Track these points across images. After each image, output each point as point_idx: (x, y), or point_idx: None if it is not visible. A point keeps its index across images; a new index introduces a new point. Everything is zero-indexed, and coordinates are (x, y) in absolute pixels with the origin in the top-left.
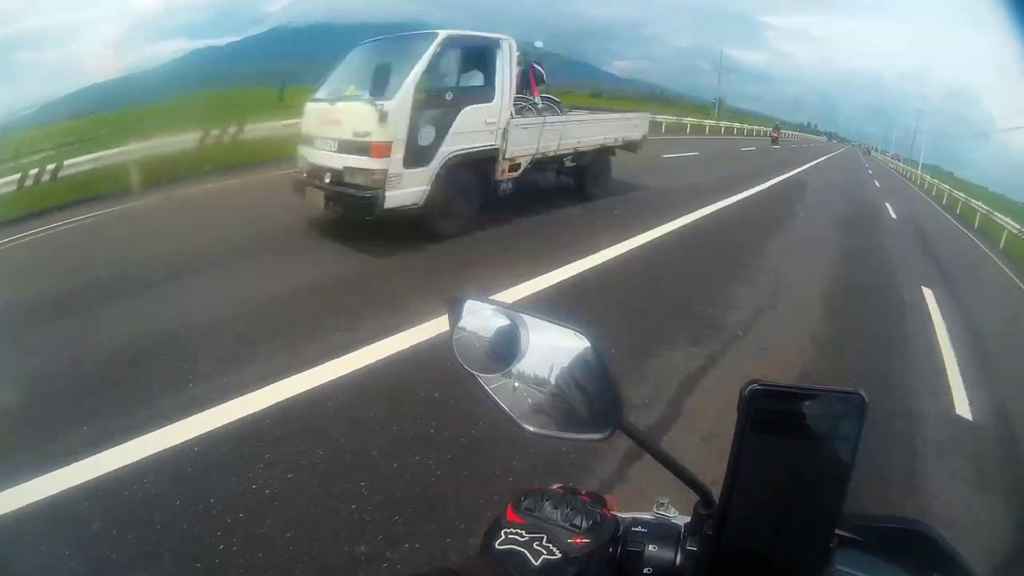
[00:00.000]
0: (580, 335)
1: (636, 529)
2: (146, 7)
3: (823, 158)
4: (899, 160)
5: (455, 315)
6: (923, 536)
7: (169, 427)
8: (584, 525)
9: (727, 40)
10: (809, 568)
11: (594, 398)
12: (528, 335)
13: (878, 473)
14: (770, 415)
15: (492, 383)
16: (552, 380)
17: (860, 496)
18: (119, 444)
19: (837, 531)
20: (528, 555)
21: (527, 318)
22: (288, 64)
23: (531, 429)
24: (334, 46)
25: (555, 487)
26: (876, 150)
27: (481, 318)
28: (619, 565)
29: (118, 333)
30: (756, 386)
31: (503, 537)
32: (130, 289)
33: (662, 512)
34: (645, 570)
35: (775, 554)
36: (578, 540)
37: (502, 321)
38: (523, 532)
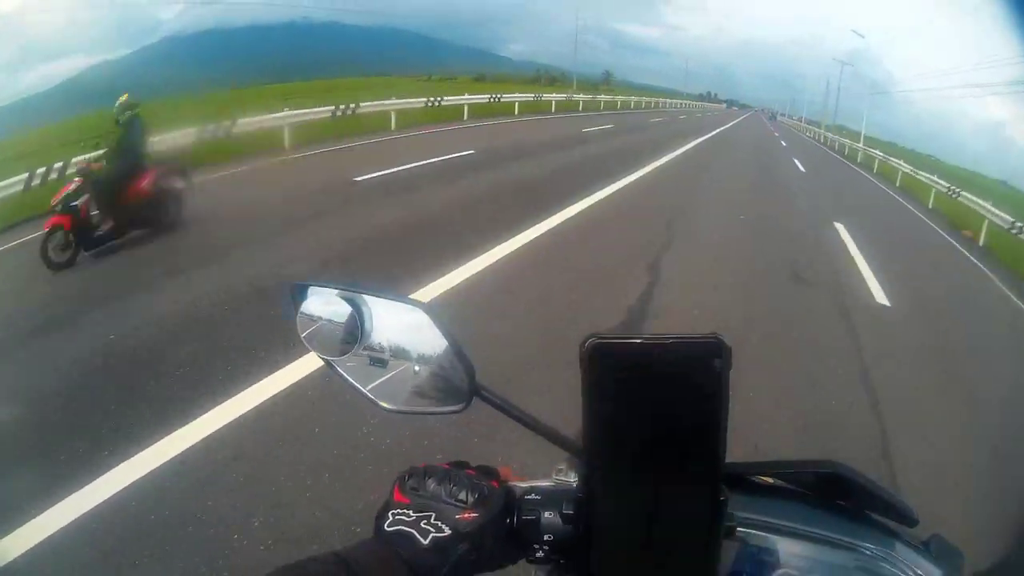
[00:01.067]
0: (416, 308)
1: (530, 497)
2: (38, 28)
3: (724, 127)
4: (802, 122)
5: (297, 302)
6: (840, 477)
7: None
8: (471, 499)
9: (621, 16)
10: (699, 522)
11: (446, 369)
12: (371, 313)
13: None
14: (617, 369)
15: (344, 366)
16: (401, 356)
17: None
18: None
19: (755, 478)
20: (416, 534)
21: (367, 297)
22: (185, 71)
23: (388, 407)
24: (228, 50)
25: (442, 464)
26: (783, 115)
27: (323, 303)
28: (518, 534)
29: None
30: (596, 340)
31: (391, 519)
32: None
33: (560, 477)
34: (545, 536)
35: (658, 509)
36: (466, 515)
37: (343, 303)
38: (410, 512)
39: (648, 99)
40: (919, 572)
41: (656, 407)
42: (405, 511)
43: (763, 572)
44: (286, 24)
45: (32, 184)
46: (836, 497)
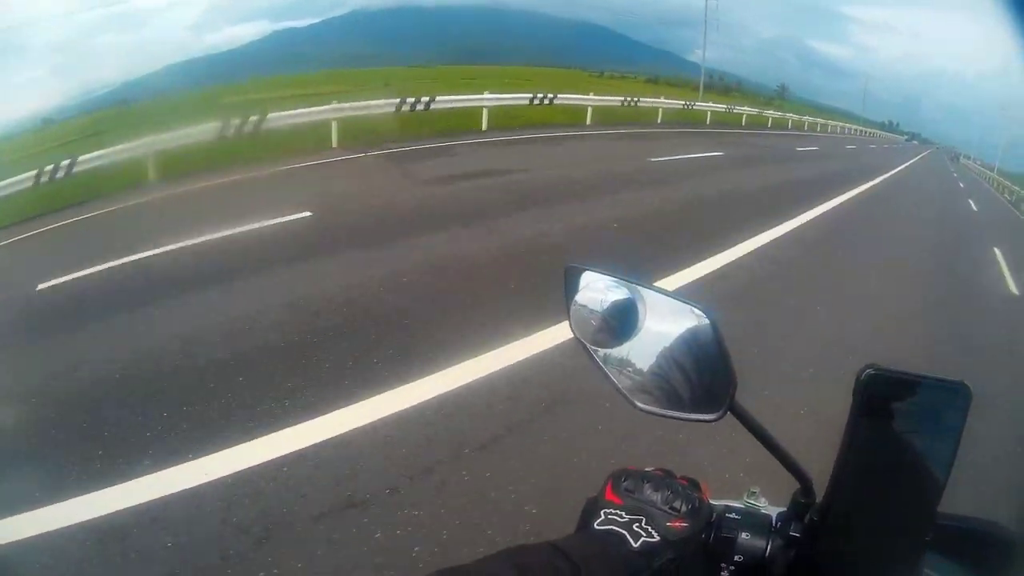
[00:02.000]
0: (700, 312)
1: (729, 516)
2: None
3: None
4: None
5: (572, 287)
6: (997, 537)
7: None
8: (684, 509)
9: (811, 32)
10: (900, 566)
11: (707, 378)
12: (646, 309)
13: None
14: (882, 401)
15: (605, 357)
16: (666, 356)
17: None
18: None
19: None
20: (628, 536)
21: (645, 292)
22: (369, 46)
23: (640, 406)
24: (410, 28)
25: (652, 469)
26: (967, 157)
27: (598, 291)
28: (711, 551)
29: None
30: (872, 371)
31: (602, 517)
32: None
33: (752, 501)
34: (736, 557)
35: (869, 548)
36: (677, 524)
37: (620, 294)
38: (623, 513)
39: (823, 120)
40: None
41: (904, 442)
42: (618, 511)
43: None
44: (475, 7)
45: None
46: (991, 560)
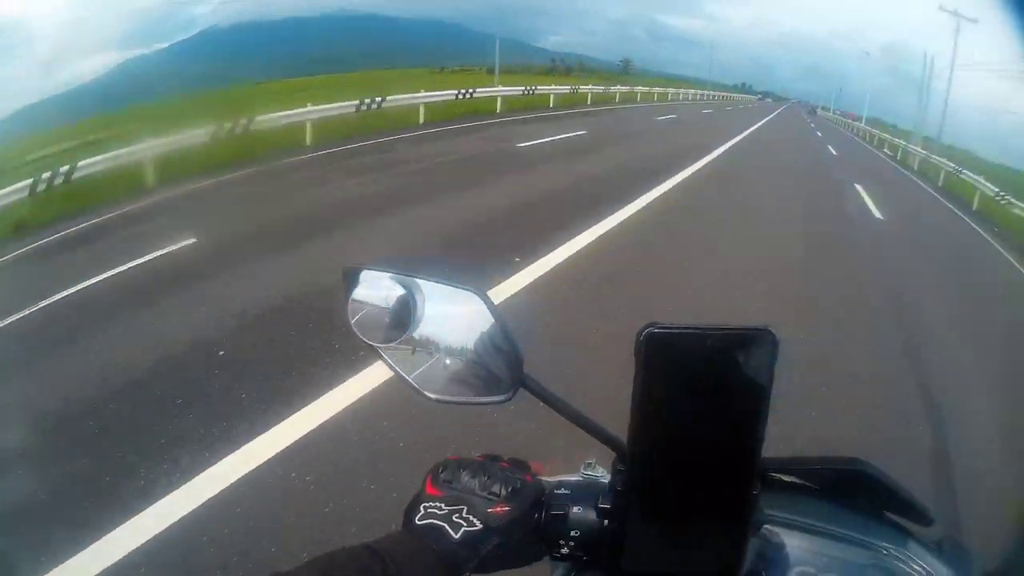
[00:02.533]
0: (473, 294)
1: (560, 492)
2: (70, 23)
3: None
4: (840, 115)
5: (350, 287)
6: (863, 474)
7: None
8: (504, 492)
9: (662, 8)
10: (732, 515)
11: (494, 358)
12: (423, 300)
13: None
14: (671, 357)
15: (391, 353)
16: (450, 344)
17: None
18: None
19: (779, 476)
20: (448, 528)
21: (421, 282)
22: (221, 65)
23: (432, 397)
24: (259, 43)
25: (475, 456)
26: (824, 108)
27: (376, 288)
28: (544, 529)
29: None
30: (654, 329)
31: (422, 512)
32: None
33: (589, 472)
34: (572, 532)
35: (693, 503)
36: (498, 509)
37: (395, 288)
38: (442, 505)
39: (672, 90)
40: (931, 572)
41: (704, 398)
42: (437, 504)
43: (781, 569)
44: (323, 16)
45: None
46: (856, 494)
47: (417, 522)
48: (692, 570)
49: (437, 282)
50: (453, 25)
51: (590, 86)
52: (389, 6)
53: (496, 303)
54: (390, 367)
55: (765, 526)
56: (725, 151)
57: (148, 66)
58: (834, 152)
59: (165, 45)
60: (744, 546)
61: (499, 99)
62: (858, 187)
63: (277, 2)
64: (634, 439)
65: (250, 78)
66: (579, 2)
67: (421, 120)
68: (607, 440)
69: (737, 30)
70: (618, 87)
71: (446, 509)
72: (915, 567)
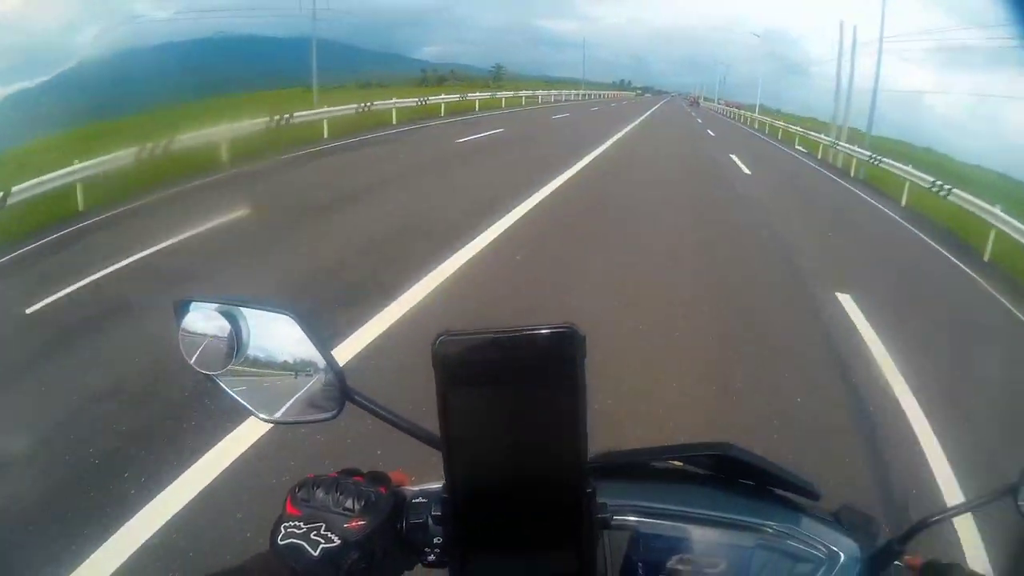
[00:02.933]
0: (288, 317)
1: (418, 501)
2: None
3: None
4: (723, 104)
5: (179, 319)
6: (726, 457)
7: None
8: (357, 507)
9: (537, 12)
10: (567, 516)
11: (318, 377)
12: (248, 326)
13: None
14: (468, 364)
15: (226, 380)
16: (277, 367)
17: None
18: None
19: (652, 463)
20: (306, 546)
21: (244, 310)
22: (101, 96)
23: (266, 418)
24: (143, 70)
25: (331, 473)
26: (706, 99)
27: (205, 318)
28: (408, 539)
29: None
30: (446, 337)
31: (283, 532)
32: None
33: None
34: (435, 540)
35: (523, 508)
36: (354, 523)
37: (220, 318)
38: (301, 524)
39: (543, 92)
40: (826, 544)
41: (511, 401)
42: (296, 523)
43: (659, 560)
44: (201, 41)
45: None
46: (737, 477)
47: (279, 542)
48: (539, 571)
49: (256, 308)
50: (329, 42)
51: (477, 93)
52: (267, 27)
53: (308, 324)
54: (227, 394)
55: (636, 519)
56: (618, 139)
57: (33, 98)
58: (712, 133)
59: (47, 77)
60: (587, 545)
61: (394, 111)
62: (732, 156)
63: (154, 29)
64: (449, 447)
65: (133, 108)
66: (454, 11)
67: (326, 135)
68: (434, 445)
69: (613, 28)
70: (503, 93)
71: (304, 528)
72: (808, 541)
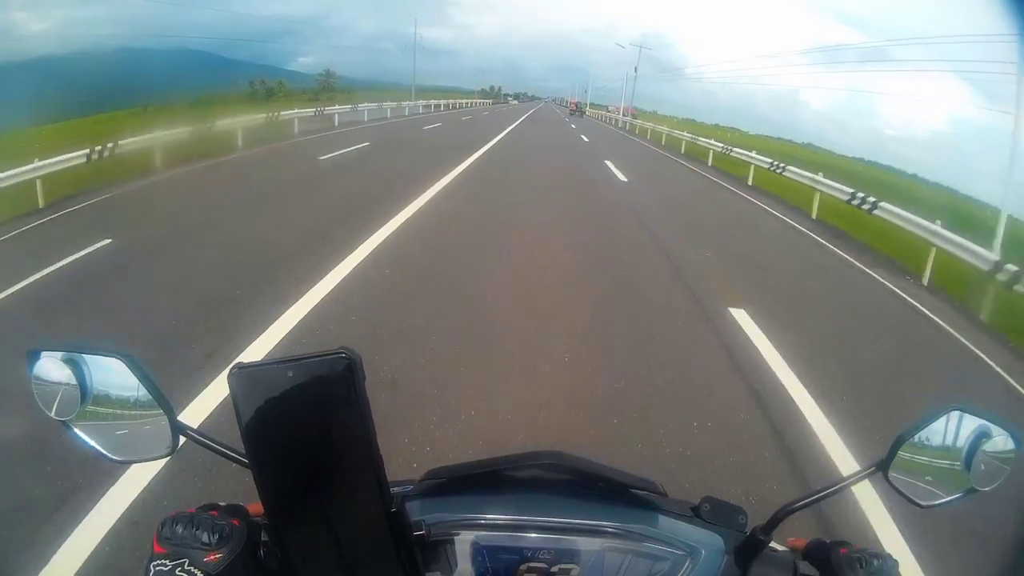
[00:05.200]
0: (120, 360)
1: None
2: None
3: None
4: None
5: (31, 368)
6: (558, 465)
7: None
8: (214, 540)
9: (412, 21)
10: (379, 533)
11: (152, 416)
12: (91, 372)
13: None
14: (262, 392)
15: (76, 425)
16: (118, 408)
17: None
18: None
19: (484, 476)
20: None
21: (86, 356)
22: None
23: (116, 459)
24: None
25: (190, 509)
26: (587, 105)
27: (52, 367)
28: (265, 567)
29: None
30: (238, 369)
31: (152, 571)
32: None
33: None
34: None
35: (337, 528)
36: (212, 556)
37: (66, 366)
38: (167, 561)
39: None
40: (684, 540)
41: (304, 427)
42: (163, 561)
43: (505, 569)
44: (77, 54)
45: None
46: (574, 483)
47: None
48: None
49: (94, 354)
50: (204, 54)
51: (336, 106)
52: (141, 37)
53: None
54: (78, 439)
55: (473, 532)
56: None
57: None
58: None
59: None
60: (408, 559)
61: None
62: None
63: (31, 42)
64: (258, 473)
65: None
66: (328, 20)
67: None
68: (243, 464)
69: (487, 36)
70: (365, 104)
71: (170, 565)
72: (661, 540)
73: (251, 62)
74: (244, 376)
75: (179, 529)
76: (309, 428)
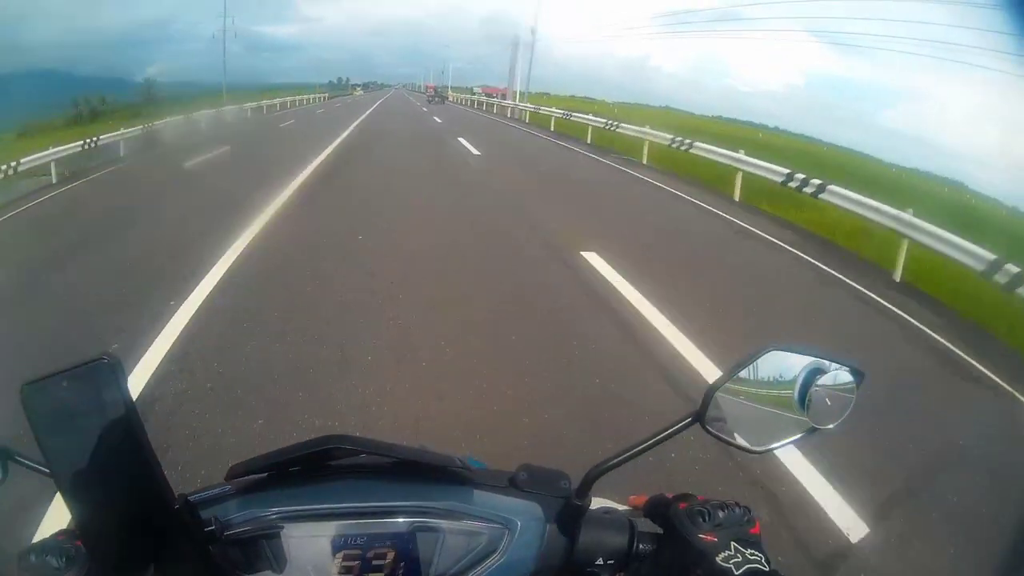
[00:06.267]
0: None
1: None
2: None
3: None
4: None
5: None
6: (348, 450)
7: None
8: (61, 564)
9: (255, 19)
10: (171, 535)
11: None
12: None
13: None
14: (49, 405)
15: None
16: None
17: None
18: None
19: (280, 469)
20: None
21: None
22: None
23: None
24: None
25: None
26: (445, 89)
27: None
28: None
29: None
30: (28, 385)
31: None
32: None
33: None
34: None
35: (132, 531)
36: None
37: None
38: None
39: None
40: (497, 512)
41: (86, 436)
42: None
43: (317, 561)
44: None
45: None
46: (366, 466)
47: None
48: None
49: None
50: (52, 73)
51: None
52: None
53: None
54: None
55: (274, 525)
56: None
57: None
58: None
59: None
60: (197, 560)
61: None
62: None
63: None
64: (60, 487)
65: None
66: (169, 27)
67: None
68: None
69: (335, 27)
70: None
71: None
72: (471, 515)
73: (101, 76)
74: (33, 392)
75: (32, 558)
76: (90, 438)
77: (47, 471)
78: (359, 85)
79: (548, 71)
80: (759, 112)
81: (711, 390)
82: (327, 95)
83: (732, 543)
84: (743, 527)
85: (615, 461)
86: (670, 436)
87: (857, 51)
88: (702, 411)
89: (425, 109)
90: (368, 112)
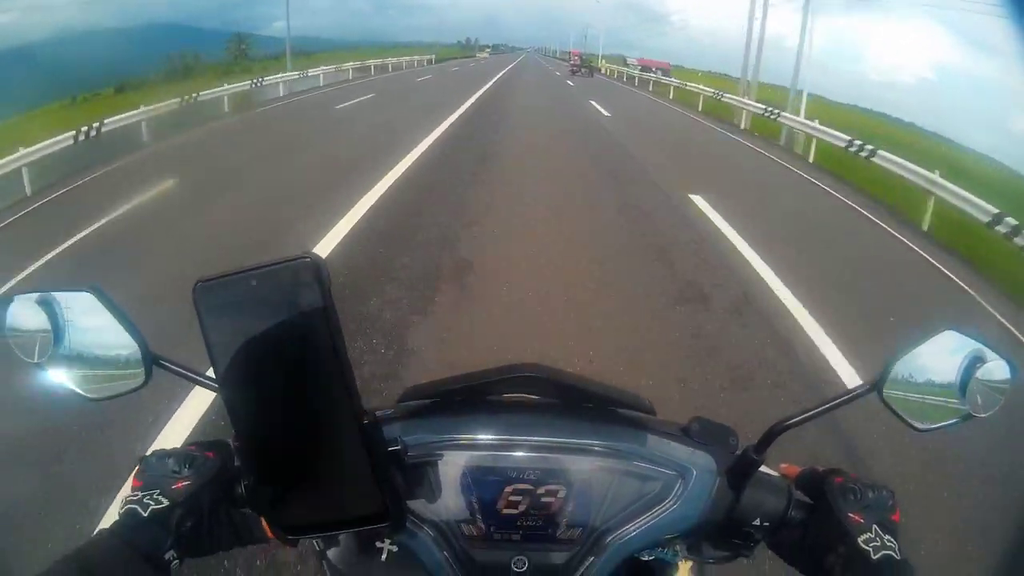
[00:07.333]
0: (90, 295)
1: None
2: None
3: None
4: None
5: (2, 313)
6: (539, 378)
7: None
8: (185, 471)
9: None
10: (348, 451)
11: (124, 348)
12: (60, 311)
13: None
14: (227, 305)
15: (51, 367)
16: (91, 345)
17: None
18: None
19: (462, 394)
20: (138, 508)
21: (57, 295)
22: None
23: (91, 397)
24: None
25: (176, 448)
26: (553, 54)
27: (23, 311)
28: (237, 497)
29: None
30: (202, 283)
31: (124, 503)
32: None
33: None
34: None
35: (308, 445)
36: (179, 484)
37: (39, 308)
38: (139, 492)
39: (408, 58)
40: (675, 460)
41: (273, 339)
42: (135, 493)
43: (488, 494)
44: (48, 39)
45: None
46: (556, 398)
47: (119, 514)
48: (339, 518)
49: (62, 291)
50: (175, 27)
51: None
52: (109, 17)
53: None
54: (55, 381)
55: (450, 452)
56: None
57: None
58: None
59: None
60: (378, 480)
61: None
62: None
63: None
64: (226, 393)
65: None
66: None
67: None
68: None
69: None
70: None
71: (140, 495)
72: (650, 459)
73: (225, 29)
74: (207, 290)
75: (154, 463)
76: (277, 340)
77: (196, 377)
78: (488, 47)
79: (670, 43)
80: (887, 103)
81: (891, 361)
82: (432, 57)
83: (874, 526)
84: (886, 512)
85: (795, 420)
86: (849, 402)
87: (993, 51)
88: (881, 381)
89: (571, 83)
90: (488, 86)
